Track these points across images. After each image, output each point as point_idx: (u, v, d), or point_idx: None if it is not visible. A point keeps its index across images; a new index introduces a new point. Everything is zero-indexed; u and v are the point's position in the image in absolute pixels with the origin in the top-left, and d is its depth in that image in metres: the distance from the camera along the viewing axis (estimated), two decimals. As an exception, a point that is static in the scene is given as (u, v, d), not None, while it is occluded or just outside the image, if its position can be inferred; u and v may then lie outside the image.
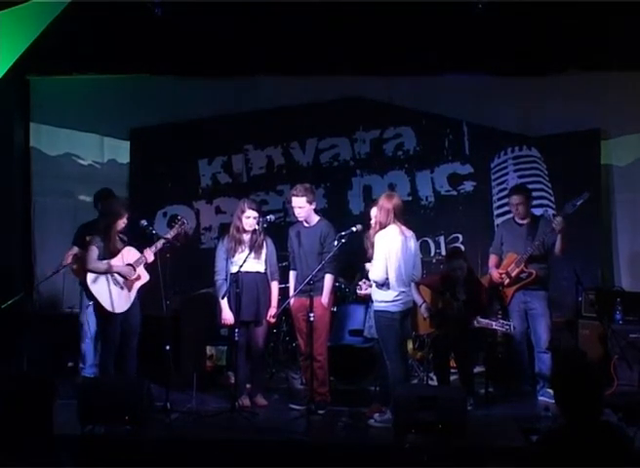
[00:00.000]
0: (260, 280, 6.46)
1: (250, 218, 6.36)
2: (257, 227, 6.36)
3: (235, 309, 6.27)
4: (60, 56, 7.93)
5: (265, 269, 6.47)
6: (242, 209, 6.42)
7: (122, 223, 6.34)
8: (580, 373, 3.12)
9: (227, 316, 6.35)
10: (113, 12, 7.35)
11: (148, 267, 6.39)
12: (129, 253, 6.34)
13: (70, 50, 7.85)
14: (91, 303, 6.91)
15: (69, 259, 7.06)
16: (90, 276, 6.29)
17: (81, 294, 7.18)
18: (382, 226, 5.86)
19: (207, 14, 7.47)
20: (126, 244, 6.41)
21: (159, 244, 6.36)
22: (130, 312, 6.30)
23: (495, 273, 6.77)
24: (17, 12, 7.16)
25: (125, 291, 6.28)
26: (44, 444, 2.92)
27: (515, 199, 6.78)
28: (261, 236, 6.42)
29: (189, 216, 8.54)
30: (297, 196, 6.39)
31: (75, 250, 7.11)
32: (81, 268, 6.70)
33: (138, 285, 6.34)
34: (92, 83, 8.47)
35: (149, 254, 6.34)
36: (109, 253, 6.29)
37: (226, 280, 6.35)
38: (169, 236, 6.45)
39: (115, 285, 6.27)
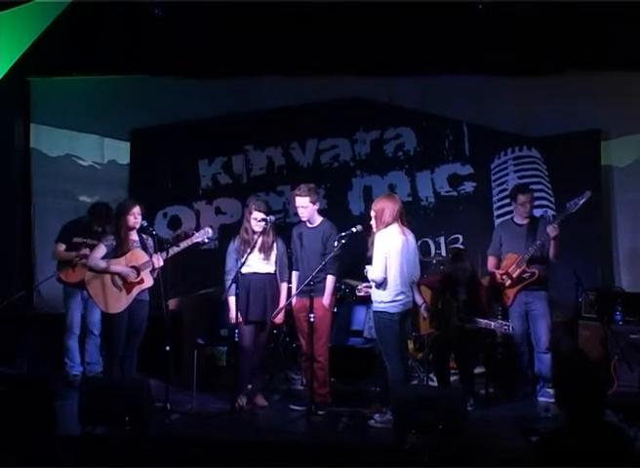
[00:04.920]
0: (269, 281, 6.45)
1: (256, 220, 6.36)
2: (264, 228, 6.34)
3: (239, 309, 6.27)
4: (61, 56, 7.93)
5: (275, 270, 6.47)
6: (249, 210, 6.43)
7: (132, 219, 6.21)
8: (582, 374, 3.12)
9: (235, 315, 6.33)
10: (113, 12, 7.36)
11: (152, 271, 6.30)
12: (133, 256, 6.26)
13: (70, 50, 7.85)
14: (79, 303, 6.99)
15: (60, 248, 7.16)
16: (87, 275, 6.28)
17: (65, 295, 7.22)
18: (387, 225, 5.85)
19: (207, 14, 7.48)
20: (138, 247, 6.32)
21: (172, 250, 6.27)
22: (134, 313, 6.25)
23: (495, 274, 6.76)
24: (17, 12, 7.17)
25: (123, 292, 6.22)
26: (44, 444, 2.91)
27: (522, 198, 6.75)
28: (271, 237, 6.42)
29: (190, 217, 8.57)
30: (300, 196, 6.39)
31: (62, 246, 7.14)
32: (75, 270, 6.74)
33: (139, 288, 6.24)
34: (92, 84, 8.47)
35: (158, 260, 6.23)
36: (121, 252, 6.25)
37: (234, 280, 6.33)
38: (185, 244, 6.36)
39: (113, 285, 6.23)
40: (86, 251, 6.97)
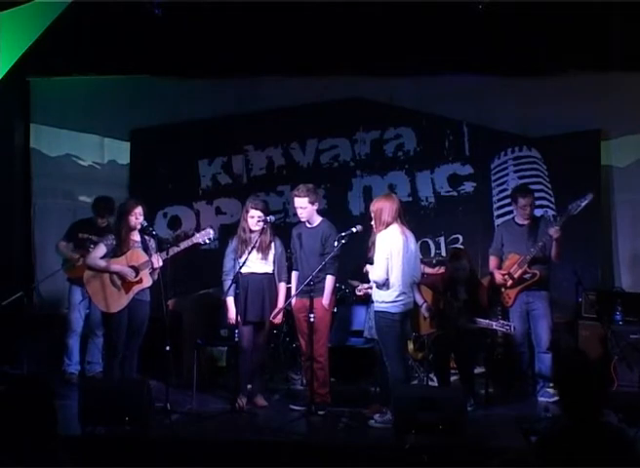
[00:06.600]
0: (267, 281, 6.43)
1: (254, 218, 6.33)
2: (263, 227, 6.32)
3: (238, 310, 6.27)
4: (61, 56, 7.93)
5: (273, 270, 6.45)
6: (247, 209, 6.41)
7: (134, 219, 6.21)
8: (581, 374, 3.12)
9: (233, 316, 6.33)
10: (113, 12, 7.36)
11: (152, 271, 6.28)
12: (133, 255, 6.25)
13: (70, 50, 7.85)
14: (83, 301, 6.99)
15: (62, 245, 7.20)
16: (86, 274, 6.27)
17: (69, 292, 7.23)
18: (387, 225, 5.85)
19: (207, 14, 7.47)
20: (140, 247, 6.30)
21: (172, 251, 6.25)
22: (135, 313, 6.25)
23: (497, 274, 6.76)
24: (17, 12, 7.17)
25: (122, 292, 6.22)
26: (44, 444, 2.91)
27: (522, 201, 6.75)
28: (269, 237, 6.40)
29: (190, 217, 8.57)
30: (299, 197, 6.38)
31: (63, 243, 7.17)
32: (80, 266, 6.73)
33: (137, 288, 6.23)
34: (92, 84, 8.47)
35: (157, 260, 6.22)
36: (121, 252, 6.24)
37: (234, 280, 6.32)
38: (185, 244, 6.34)
39: (112, 285, 6.22)
40: (82, 250, 7.00)
